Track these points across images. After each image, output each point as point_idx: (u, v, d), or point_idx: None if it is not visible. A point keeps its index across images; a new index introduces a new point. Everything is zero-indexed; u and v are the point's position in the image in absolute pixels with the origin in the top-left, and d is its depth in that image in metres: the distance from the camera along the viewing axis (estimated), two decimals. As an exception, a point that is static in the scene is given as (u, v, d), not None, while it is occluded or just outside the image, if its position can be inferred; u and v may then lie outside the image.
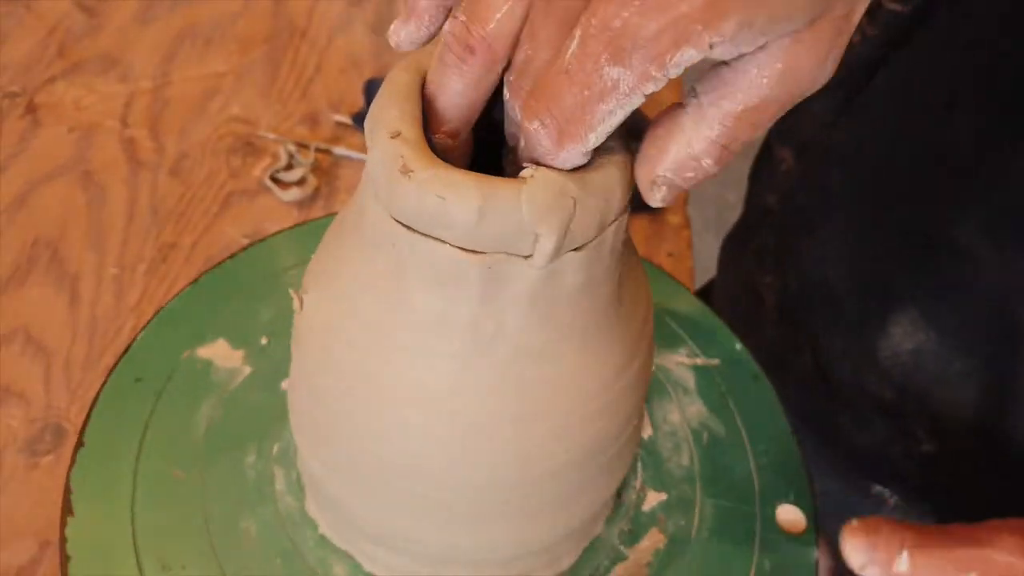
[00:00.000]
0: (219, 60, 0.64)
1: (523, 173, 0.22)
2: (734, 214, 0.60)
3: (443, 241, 0.22)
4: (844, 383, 0.43)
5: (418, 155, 0.22)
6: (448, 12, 0.23)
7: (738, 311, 0.54)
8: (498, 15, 0.21)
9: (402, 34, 0.23)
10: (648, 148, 0.22)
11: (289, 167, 0.56)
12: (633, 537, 0.33)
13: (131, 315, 0.47)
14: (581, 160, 0.21)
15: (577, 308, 0.25)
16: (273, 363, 0.36)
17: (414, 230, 0.22)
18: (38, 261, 0.49)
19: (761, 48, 0.19)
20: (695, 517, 0.34)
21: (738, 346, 0.41)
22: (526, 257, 0.22)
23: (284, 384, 0.35)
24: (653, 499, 0.35)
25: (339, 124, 0.60)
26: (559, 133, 0.20)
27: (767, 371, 0.44)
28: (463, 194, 0.21)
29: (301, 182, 0.55)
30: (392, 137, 0.22)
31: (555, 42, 0.20)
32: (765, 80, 0.20)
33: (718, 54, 0.19)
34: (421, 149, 0.22)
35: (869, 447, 0.44)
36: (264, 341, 0.37)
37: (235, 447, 0.34)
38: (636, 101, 0.19)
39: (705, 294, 0.66)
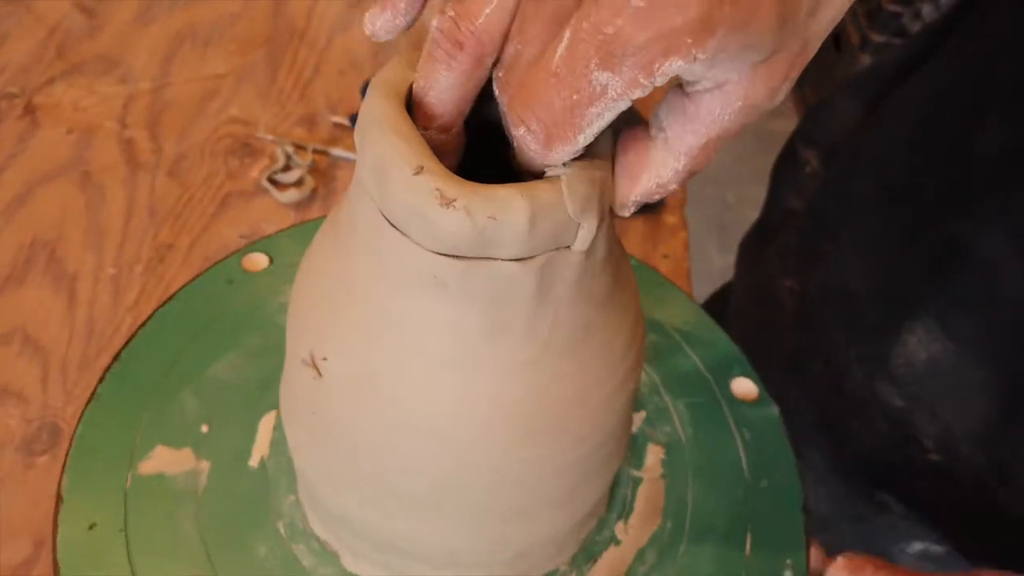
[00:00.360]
0: (218, 61, 0.64)
1: (552, 172, 0.22)
2: (733, 215, 0.60)
3: (495, 259, 0.22)
4: (856, 390, 0.43)
5: (451, 183, 0.22)
6: (424, 2, 0.23)
7: (754, 314, 0.54)
8: (487, 10, 0.21)
9: (378, 23, 0.23)
10: (621, 177, 0.23)
11: (287, 168, 0.56)
12: (639, 460, 0.36)
13: (128, 315, 0.47)
14: (570, 158, 0.22)
15: (589, 298, 0.25)
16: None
17: (464, 257, 0.22)
18: (36, 261, 0.49)
19: (722, 86, 0.21)
20: (675, 421, 0.38)
21: (727, 341, 0.41)
22: (568, 248, 0.23)
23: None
24: (636, 419, 0.38)
25: (337, 125, 0.60)
26: (547, 136, 0.21)
27: (781, 376, 0.44)
28: (514, 209, 0.21)
29: (299, 183, 0.55)
30: (416, 174, 0.22)
31: (544, 39, 0.20)
32: (727, 116, 0.21)
33: (693, 71, 0.20)
34: (450, 176, 0.22)
35: (876, 454, 0.44)
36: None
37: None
38: (623, 105, 0.20)
39: (723, 296, 0.66)
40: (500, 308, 0.24)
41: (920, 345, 0.40)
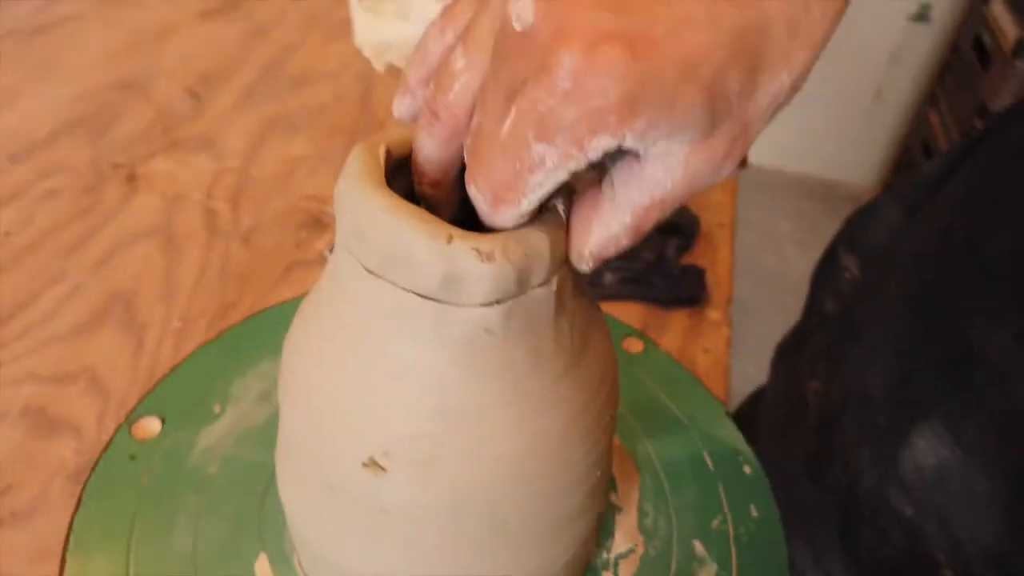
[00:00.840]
0: (302, 145, 0.70)
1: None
2: (772, 319, 0.60)
3: (527, 291, 0.25)
4: (869, 495, 0.42)
5: (482, 240, 0.24)
6: None
7: (781, 417, 0.54)
8: (457, 86, 0.24)
9: (401, 107, 0.27)
10: (575, 228, 0.25)
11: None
12: None
13: (186, 365, 0.51)
14: (518, 221, 0.24)
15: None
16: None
17: (505, 300, 0.25)
18: (113, 311, 0.54)
19: (663, 156, 0.22)
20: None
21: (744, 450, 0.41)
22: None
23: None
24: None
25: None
26: (494, 199, 0.23)
27: (803, 481, 0.44)
28: (539, 239, 0.25)
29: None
30: (449, 242, 0.24)
31: (500, 113, 0.23)
32: (669, 182, 0.23)
33: (630, 145, 0.22)
34: (476, 235, 0.24)
35: (890, 565, 0.42)
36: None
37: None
38: (562, 175, 0.22)
39: (755, 401, 0.65)
40: (534, 337, 0.26)
41: (929, 449, 0.39)
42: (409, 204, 0.24)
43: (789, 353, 0.57)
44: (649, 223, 0.24)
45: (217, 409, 0.44)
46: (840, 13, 0.23)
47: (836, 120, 2.13)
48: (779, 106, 0.23)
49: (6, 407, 0.48)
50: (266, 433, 0.42)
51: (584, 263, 0.26)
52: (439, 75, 0.24)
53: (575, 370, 0.27)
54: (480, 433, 0.26)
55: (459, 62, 0.24)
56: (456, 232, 0.24)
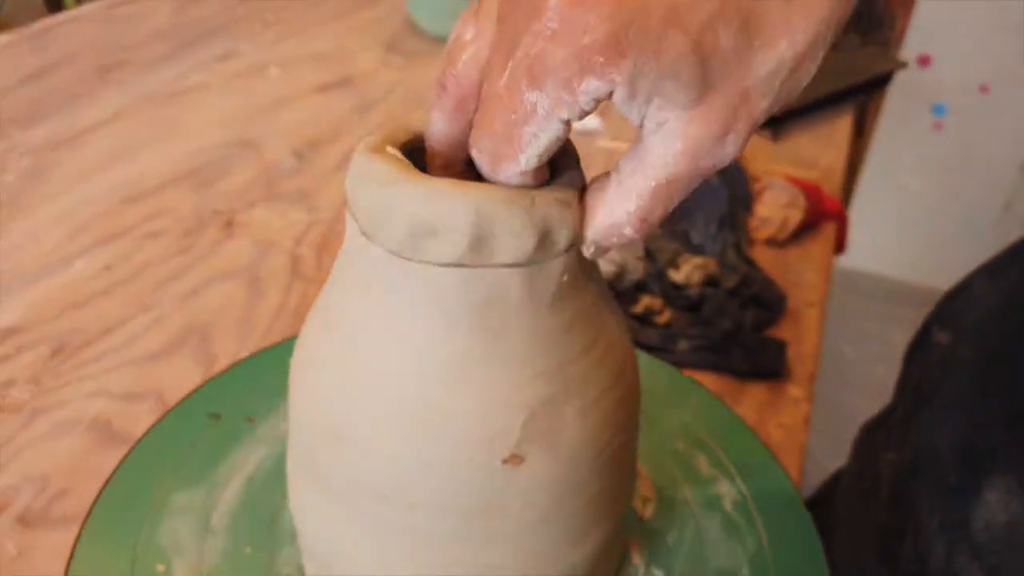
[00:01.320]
0: (392, 204, 0.72)
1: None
2: (853, 399, 0.56)
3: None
4: (939, 566, 0.38)
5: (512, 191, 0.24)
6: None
7: (856, 494, 0.49)
8: (464, 56, 0.24)
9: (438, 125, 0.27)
10: (584, 212, 0.25)
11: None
12: None
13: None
14: (519, 179, 0.23)
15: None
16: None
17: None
18: (189, 341, 0.56)
19: (662, 126, 0.22)
20: None
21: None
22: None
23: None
24: None
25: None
26: (492, 156, 0.23)
27: (874, 561, 0.40)
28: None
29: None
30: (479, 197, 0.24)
31: (500, 72, 0.23)
32: (669, 158, 0.22)
33: (620, 102, 0.21)
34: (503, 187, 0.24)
35: None
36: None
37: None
38: (555, 125, 0.22)
39: (833, 483, 0.61)
40: (555, 309, 0.26)
41: (1000, 505, 0.35)
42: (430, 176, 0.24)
43: (871, 429, 0.53)
44: (656, 212, 0.23)
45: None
46: None
47: (964, 232, 2.02)
48: (786, 85, 0.22)
49: (76, 418, 0.49)
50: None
51: (588, 248, 0.25)
52: (450, 49, 0.24)
53: (584, 358, 0.26)
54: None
55: (468, 34, 0.24)
56: (484, 185, 0.24)
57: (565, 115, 0.22)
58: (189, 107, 0.87)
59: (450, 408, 0.25)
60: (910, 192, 1.98)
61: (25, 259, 0.63)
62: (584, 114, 0.22)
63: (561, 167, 0.26)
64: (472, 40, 0.24)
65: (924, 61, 1.82)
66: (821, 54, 0.22)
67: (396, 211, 0.23)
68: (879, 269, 2.10)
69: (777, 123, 0.87)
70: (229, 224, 0.68)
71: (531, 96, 0.21)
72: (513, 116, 0.22)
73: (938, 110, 1.84)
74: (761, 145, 0.85)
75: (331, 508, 0.28)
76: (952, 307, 0.49)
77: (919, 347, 0.50)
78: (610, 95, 0.21)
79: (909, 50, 1.80)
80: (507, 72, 0.22)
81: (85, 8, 1.12)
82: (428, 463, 0.25)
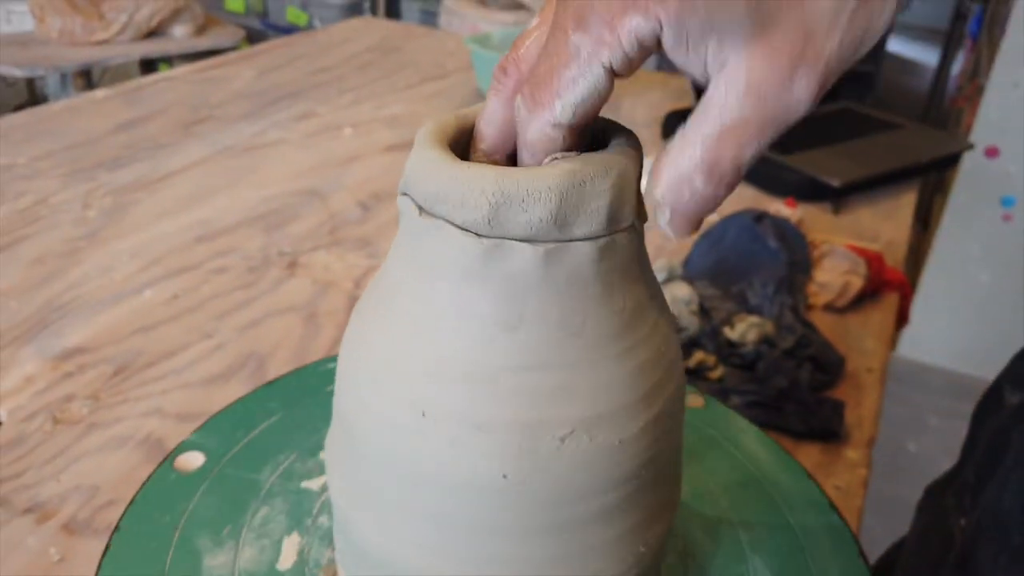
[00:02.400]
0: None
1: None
2: (915, 493, 0.54)
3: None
4: None
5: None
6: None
7: (921, 561, 0.47)
8: (528, 42, 0.24)
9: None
10: (650, 180, 0.24)
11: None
12: None
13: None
14: (552, 132, 0.23)
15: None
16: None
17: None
18: (246, 368, 0.57)
19: (723, 67, 0.21)
20: None
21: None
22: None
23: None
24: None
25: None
26: (532, 101, 0.23)
27: None
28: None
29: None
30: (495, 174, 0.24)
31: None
32: (733, 98, 0.21)
33: (672, 47, 0.21)
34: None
35: None
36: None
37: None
38: (596, 70, 0.22)
39: (893, 552, 0.58)
40: (576, 297, 0.26)
41: None
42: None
43: (937, 492, 0.50)
44: (725, 160, 0.22)
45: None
46: None
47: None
48: (855, 22, 0.21)
49: (130, 434, 0.50)
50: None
51: (660, 215, 0.23)
52: (517, 40, 0.25)
53: (628, 356, 0.26)
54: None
55: (534, 22, 0.25)
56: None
57: (607, 58, 0.21)
58: (265, 159, 0.91)
59: (520, 389, 0.25)
60: (978, 284, 1.93)
61: (97, 287, 0.66)
62: (628, 62, 0.21)
63: (611, 141, 0.26)
64: (536, 27, 0.25)
65: (992, 153, 1.80)
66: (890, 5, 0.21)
67: (477, 189, 0.24)
68: (945, 362, 2.02)
69: (839, 196, 0.86)
70: (292, 264, 0.70)
71: (575, 38, 0.21)
72: (554, 60, 0.22)
73: (1007, 202, 1.81)
74: (822, 217, 0.84)
75: (374, 496, 0.28)
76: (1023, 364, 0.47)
77: (989, 408, 0.48)
78: (658, 41, 0.21)
79: (977, 143, 1.79)
80: (555, 22, 0.22)
81: (178, 69, 1.20)
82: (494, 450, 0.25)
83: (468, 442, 0.25)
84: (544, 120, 0.23)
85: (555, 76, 0.22)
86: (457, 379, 0.25)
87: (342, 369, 0.29)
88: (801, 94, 0.21)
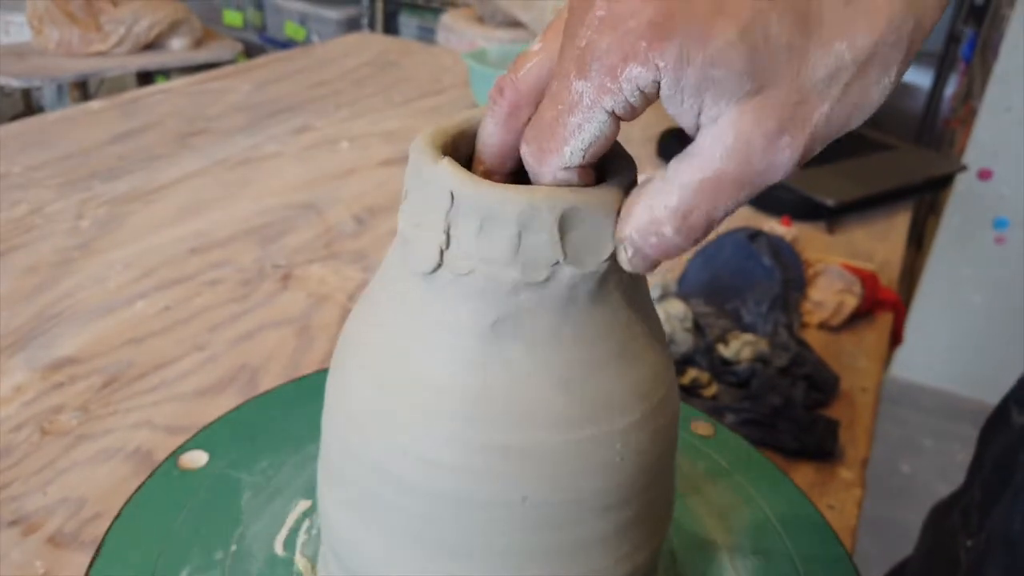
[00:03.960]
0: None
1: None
2: (907, 516, 0.54)
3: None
4: None
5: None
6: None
7: None
8: (528, 64, 0.24)
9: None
10: (622, 214, 0.24)
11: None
12: None
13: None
14: (564, 175, 0.23)
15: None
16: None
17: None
18: (238, 380, 0.57)
19: (715, 121, 0.21)
20: None
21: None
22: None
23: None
24: None
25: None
26: (540, 150, 0.23)
27: None
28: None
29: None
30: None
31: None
32: (718, 152, 0.21)
33: (668, 95, 0.21)
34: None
35: None
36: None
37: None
38: (600, 116, 0.22)
39: (899, 570, 0.57)
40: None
41: None
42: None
43: (943, 512, 0.50)
44: (699, 212, 0.22)
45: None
46: (914, 8, 0.21)
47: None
48: (851, 92, 0.21)
49: (119, 446, 0.50)
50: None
51: (623, 251, 0.24)
52: (516, 60, 0.25)
53: (628, 373, 0.25)
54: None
55: (535, 46, 0.25)
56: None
57: (610, 105, 0.22)
58: (261, 172, 0.91)
59: (496, 418, 0.25)
60: (971, 305, 1.93)
61: (89, 297, 0.65)
62: (631, 108, 0.22)
63: (612, 173, 0.26)
64: (537, 51, 0.25)
65: (985, 175, 1.81)
66: (894, 62, 0.21)
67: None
68: (938, 383, 2.03)
69: (834, 215, 0.87)
70: (286, 277, 0.70)
71: (578, 85, 0.22)
72: (560, 107, 0.22)
73: (1000, 224, 1.82)
74: (817, 236, 0.85)
75: (364, 512, 0.28)
76: None
77: (996, 427, 0.48)
78: (657, 88, 0.21)
79: (970, 165, 1.80)
80: (558, 67, 0.22)
81: (175, 81, 1.20)
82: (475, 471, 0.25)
83: (482, 463, 0.25)
84: (555, 165, 0.24)
85: (561, 123, 0.23)
86: (461, 397, 0.25)
87: (338, 383, 0.29)
88: (784, 157, 0.22)
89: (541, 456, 0.25)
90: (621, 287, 0.25)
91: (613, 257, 0.24)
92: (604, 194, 0.24)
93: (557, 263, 0.24)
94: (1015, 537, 0.37)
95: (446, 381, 0.25)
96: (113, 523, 0.37)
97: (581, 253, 0.24)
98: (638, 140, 1.07)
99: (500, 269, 0.24)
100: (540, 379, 0.25)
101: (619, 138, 0.29)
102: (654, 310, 0.28)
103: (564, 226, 0.23)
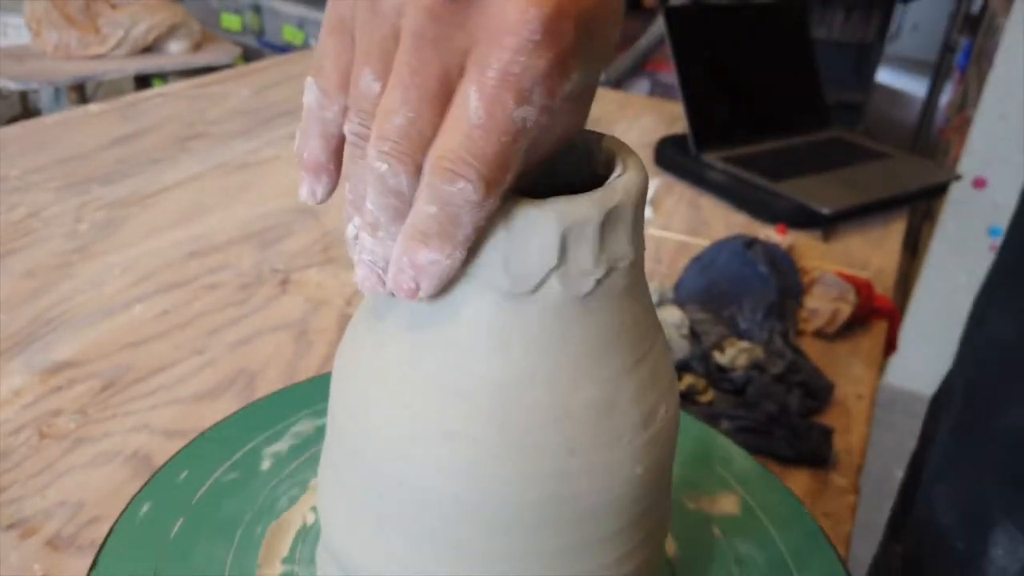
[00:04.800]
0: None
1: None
2: (895, 487, 0.54)
3: None
4: None
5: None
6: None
7: None
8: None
9: (319, 190, 0.28)
10: None
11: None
12: None
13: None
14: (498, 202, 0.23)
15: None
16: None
17: None
18: (235, 384, 0.57)
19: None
20: None
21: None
22: None
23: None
24: None
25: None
26: (486, 184, 0.22)
27: None
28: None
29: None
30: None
31: (431, 104, 0.22)
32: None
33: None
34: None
35: None
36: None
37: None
38: (533, 134, 0.22)
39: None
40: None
41: (1009, 554, 0.35)
42: None
43: (895, 515, 0.51)
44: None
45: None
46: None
47: None
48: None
49: (117, 450, 0.50)
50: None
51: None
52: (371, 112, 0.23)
53: (631, 375, 0.26)
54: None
55: (373, 86, 0.23)
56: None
57: (546, 121, 0.22)
58: (259, 176, 0.91)
59: (506, 420, 0.25)
60: (965, 314, 1.94)
61: (87, 301, 0.65)
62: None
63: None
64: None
65: (980, 184, 1.82)
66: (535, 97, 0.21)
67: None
68: (932, 391, 2.03)
69: (829, 223, 0.87)
70: (285, 282, 0.70)
71: (519, 113, 0.21)
72: (504, 139, 0.21)
73: (995, 232, 1.82)
74: (812, 244, 0.85)
75: (367, 515, 0.28)
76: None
77: (938, 399, 0.50)
78: None
79: (965, 173, 1.81)
80: (473, 100, 0.21)
81: (174, 85, 1.21)
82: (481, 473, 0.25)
83: (490, 463, 0.25)
84: (497, 195, 0.23)
85: (507, 154, 0.22)
86: (474, 397, 0.25)
87: (343, 387, 0.29)
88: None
89: (552, 460, 0.25)
90: (628, 287, 0.26)
91: (613, 265, 0.25)
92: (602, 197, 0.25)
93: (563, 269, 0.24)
94: (941, 523, 0.38)
95: (455, 386, 0.25)
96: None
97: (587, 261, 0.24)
98: (635, 146, 1.08)
99: (494, 276, 0.24)
100: (546, 386, 0.25)
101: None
102: (654, 311, 0.28)
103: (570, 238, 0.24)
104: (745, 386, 0.58)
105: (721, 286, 0.70)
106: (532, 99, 0.21)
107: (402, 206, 0.23)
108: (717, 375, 0.60)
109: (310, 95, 0.25)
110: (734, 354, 0.61)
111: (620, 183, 0.25)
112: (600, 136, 0.28)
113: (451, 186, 0.22)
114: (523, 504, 0.25)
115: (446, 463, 0.25)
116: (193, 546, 0.36)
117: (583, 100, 0.25)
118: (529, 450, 0.25)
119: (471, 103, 0.21)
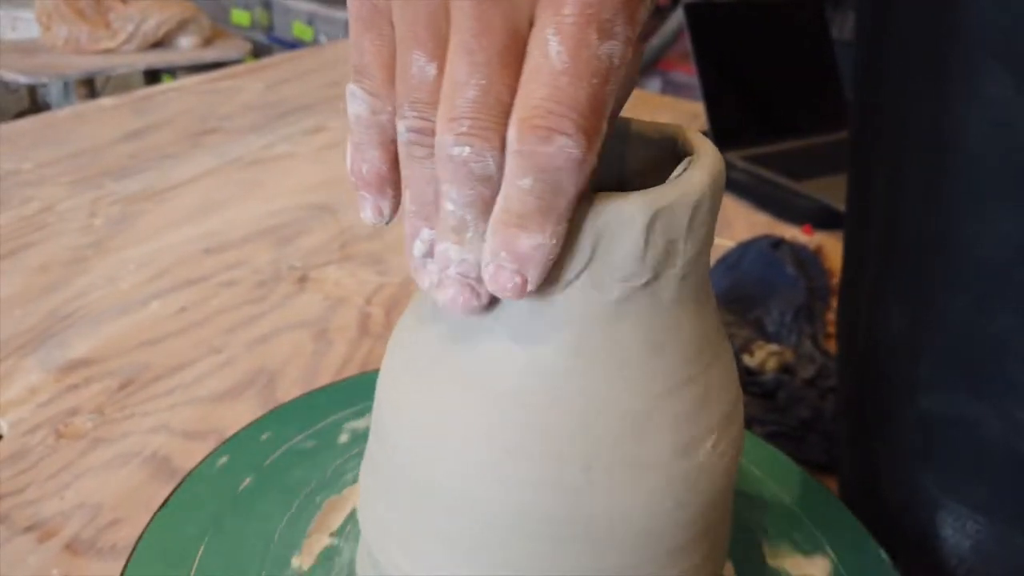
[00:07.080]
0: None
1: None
2: None
3: None
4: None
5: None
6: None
7: None
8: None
9: (386, 210, 0.24)
10: None
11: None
12: None
13: (308, 444, 0.51)
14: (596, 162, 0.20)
15: None
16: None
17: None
18: (255, 384, 0.56)
19: None
20: None
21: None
22: None
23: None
24: None
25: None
26: (586, 137, 0.19)
27: None
28: None
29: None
30: None
31: (497, 64, 0.19)
32: None
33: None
34: None
35: None
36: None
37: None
38: (623, 72, 0.19)
39: None
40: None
41: (958, 534, 0.36)
42: None
43: None
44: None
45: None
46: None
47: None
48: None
49: (136, 450, 0.49)
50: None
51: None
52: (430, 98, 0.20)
53: (696, 384, 0.24)
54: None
55: (429, 69, 0.20)
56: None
57: (631, 54, 0.20)
58: (275, 172, 0.90)
59: (547, 427, 0.24)
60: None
61: (103, 297, 0.64)
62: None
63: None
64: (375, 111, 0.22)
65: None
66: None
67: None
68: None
69: (853, 224, 0.86)
70: (303, 279, 0.69)
71: (604, 49, 0.19)
72: (595, 80, 0.19)
73: None
74: (839, 245, 0.84)
75: (409, 525, 0.27)
76: None
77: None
78: None
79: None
80: (552, 45, 0.19)
81: (187, 80, 1.19)
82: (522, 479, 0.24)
83: (553, 482, 0.24)
84: (596, 150, 0.21)
85: (600, 97, 0.20)
86: (533, 410, 0.24)
87: (388, 397, 0.28)
88: None
89: (622, 473, 0.24)
90: (695, 289, 0.24)
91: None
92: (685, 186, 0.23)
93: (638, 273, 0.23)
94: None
95: (513, 393, 0.24)
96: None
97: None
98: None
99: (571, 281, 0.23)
100: (574, 395, 0.23)
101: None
102: (719, 316, 0.27)
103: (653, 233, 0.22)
104: (775, 390, 0.57)
105: (747, 287, 0.69)
106: (615, 31, 0.19)
107: (492, 195, 0.20)
108: (746, 379, 0.58)
109: (357, 104, 0.22)
110: (763, 357, 0.59)
111: (684, 179, 0.24)
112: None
113: (548, 146, 0.19)
114: (540, 514, 0.24)
115: (502, 476, 0.24)
116: (255, 503, 0.37)
117: (642, 42, 0.22)
118: (548, 459, 0.23)
119: (551, 48, 0.18)
